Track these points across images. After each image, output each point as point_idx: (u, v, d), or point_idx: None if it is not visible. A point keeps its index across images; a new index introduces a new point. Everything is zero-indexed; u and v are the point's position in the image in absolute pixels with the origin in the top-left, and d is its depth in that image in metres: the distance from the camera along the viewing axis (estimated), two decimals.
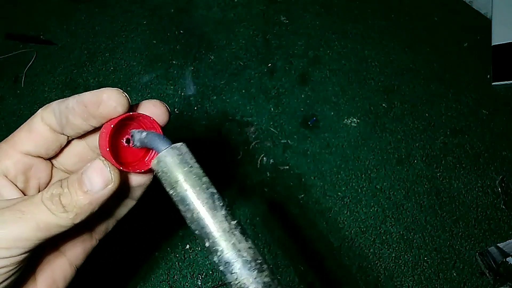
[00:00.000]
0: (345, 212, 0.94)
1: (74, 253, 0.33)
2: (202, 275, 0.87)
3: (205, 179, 0.27)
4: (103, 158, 0.28)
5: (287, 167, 1.00)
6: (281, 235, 0.93)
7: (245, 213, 0.94)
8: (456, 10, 1.21)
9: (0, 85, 1.14)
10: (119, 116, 0.28)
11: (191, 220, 0.26)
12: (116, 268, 0.87)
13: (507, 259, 0.87)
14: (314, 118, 1.06)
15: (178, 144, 0.27)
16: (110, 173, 0.27)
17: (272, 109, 1.07)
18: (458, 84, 1.10)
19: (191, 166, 0.27)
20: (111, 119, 0.28)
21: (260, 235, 0.92)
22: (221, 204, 0.26)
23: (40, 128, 0.30)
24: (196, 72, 1.13)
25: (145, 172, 0.31)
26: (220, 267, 0.25)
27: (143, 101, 0.31)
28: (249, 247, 0.25)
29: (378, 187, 0.97)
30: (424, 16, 1.21)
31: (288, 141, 1.03)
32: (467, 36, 1.17)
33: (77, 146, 0.32)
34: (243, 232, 0.26)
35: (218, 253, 0.25)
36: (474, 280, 0.87)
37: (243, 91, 1.10)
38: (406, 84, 1.10)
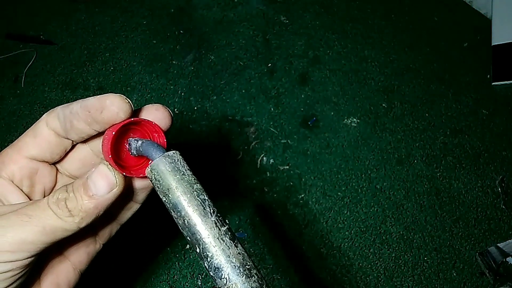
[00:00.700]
0: (345, 212, 0.94)
1: (78, 257, 0.33)
2: (202, 275, 0.87)
3: (197, 186, 0.27)
4: (107, 163, 0.28)
5: (287, 167, 1.00)
6: (281, 235, 0.93)
7: (245, 213, 0.94)
8: (456, 10, 1.22)
9: (0, 85, 1.14)
10: (121, 121, 0.28)
11: (183, 226, 0.26)
12: (116, 268, 0.87)
13: (507, 259, 0.87)
14: (314, 118, 1.06)
15: (171, 152, 0.28)
16: (115, 177, 0.28)
17: (272, 109, 1.07)
18: (458, 84, 1.10)
19: (183, 174, 0.27)
20: (114, 125, 0.28)
21: (260, 235, 0.92)
22: (212, 210, 0.27)
23: (45, 132, 0.30)
24: (196, 72, 1.13)
25: (147, 177, 0.31)
26: (210, 272, 0.26)
27: (146, 106, 0.31)
28: (238, 253, 0.26)
29: (378, 187, 0.97)
30: (424, 16, 1.21)
31: (288, 141, 1.03)
32: (467, 36, 1.17)
33: (81, 151, 0.33)
34: (233, 238, 0.26)
35: (209, 259, 0.26)
36: (474, 280, 0.87)
37: (243, 91, 1.10)
38: (406, 84, 1.10)
